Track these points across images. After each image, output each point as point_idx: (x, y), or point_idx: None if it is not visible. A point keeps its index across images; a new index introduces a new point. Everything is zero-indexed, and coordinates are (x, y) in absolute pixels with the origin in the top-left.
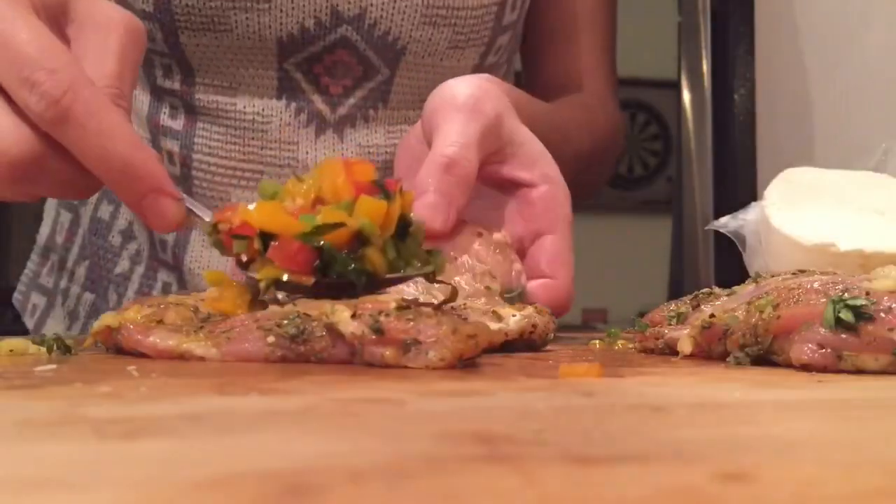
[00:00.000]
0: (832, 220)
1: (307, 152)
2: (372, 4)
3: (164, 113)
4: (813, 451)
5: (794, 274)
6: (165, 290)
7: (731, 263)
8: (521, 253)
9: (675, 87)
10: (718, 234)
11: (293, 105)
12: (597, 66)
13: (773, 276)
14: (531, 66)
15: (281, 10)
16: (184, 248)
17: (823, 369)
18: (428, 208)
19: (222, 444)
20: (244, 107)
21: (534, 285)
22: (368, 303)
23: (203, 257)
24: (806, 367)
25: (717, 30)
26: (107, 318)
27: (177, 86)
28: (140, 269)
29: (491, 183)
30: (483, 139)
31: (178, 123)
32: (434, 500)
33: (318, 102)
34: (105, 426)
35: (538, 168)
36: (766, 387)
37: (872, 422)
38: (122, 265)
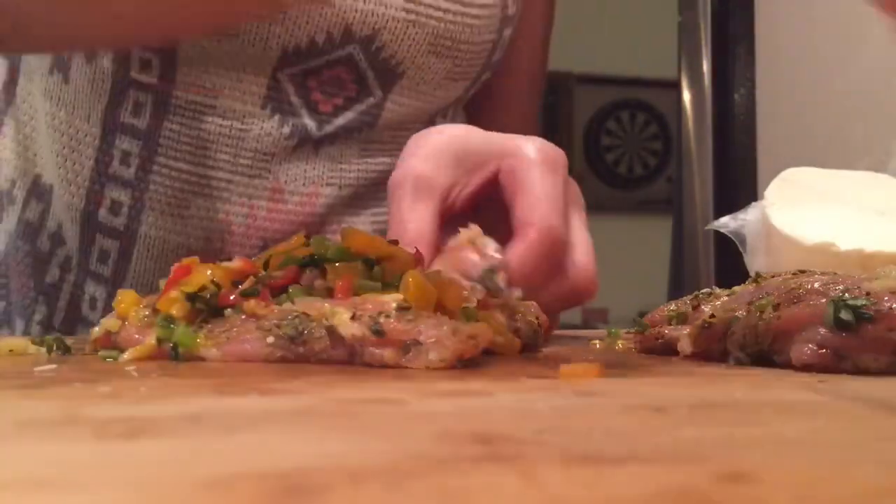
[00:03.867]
0: (832, 220)
1: (280, 163)
2: (385, 28)
3: (126, 109)
4: (813, 451)
5: (794, 274)
6: (92, 305)
7: (731, 263)
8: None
9: (675, 87)
10: (718, 234)
11: (277, 116)
12: (525, 125)
13: (773, 277)
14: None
15: (294, 23)
16: (126, 262)
17: (823, 369)
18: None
19: (222, 444)
20: (224, 111)
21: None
22: (368, 303)
23: (148, 270)
24: (806, 367)
25: (717, 30)
26: (107, 324)
27: (153, 80)
28: (71, 278)
29: (478, 199)
30: (449, 165)
31: (141, 122)
32: (434, 500)
33: (306, 117)
34: (105, 426)
35: (500, 154)
36: (766, 387)
37: (872, 422)
38: (52, 273)
